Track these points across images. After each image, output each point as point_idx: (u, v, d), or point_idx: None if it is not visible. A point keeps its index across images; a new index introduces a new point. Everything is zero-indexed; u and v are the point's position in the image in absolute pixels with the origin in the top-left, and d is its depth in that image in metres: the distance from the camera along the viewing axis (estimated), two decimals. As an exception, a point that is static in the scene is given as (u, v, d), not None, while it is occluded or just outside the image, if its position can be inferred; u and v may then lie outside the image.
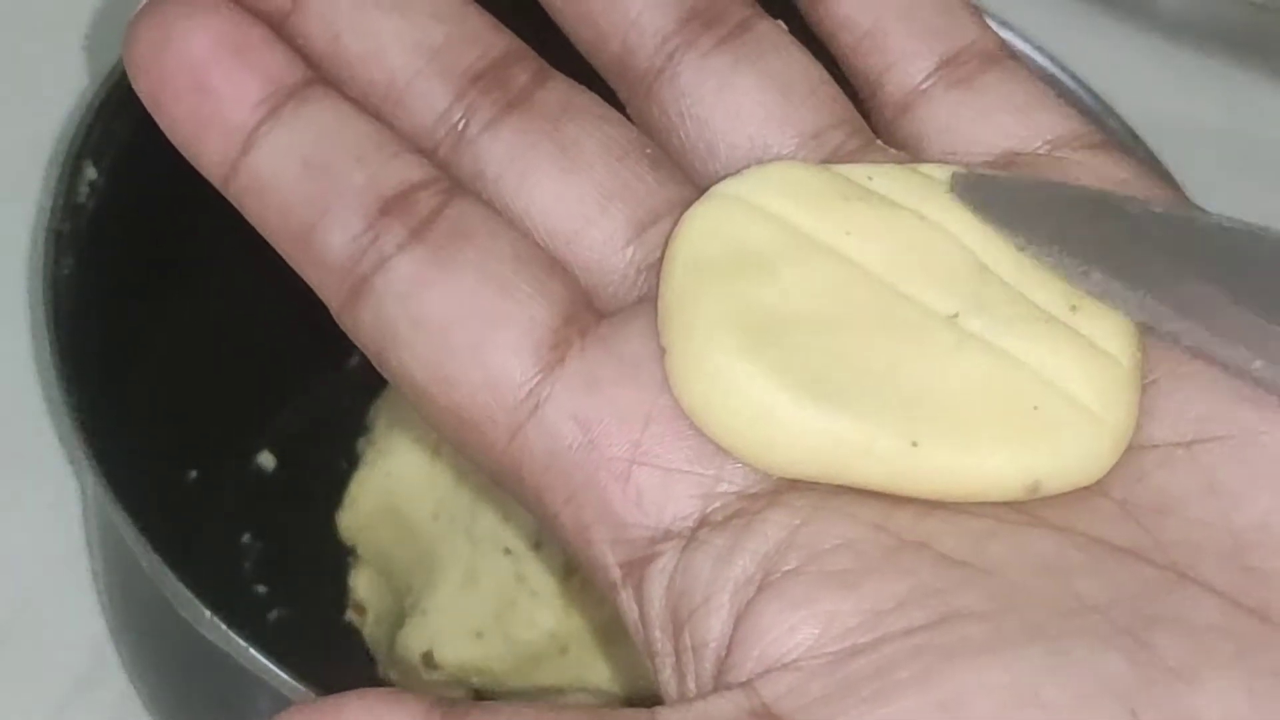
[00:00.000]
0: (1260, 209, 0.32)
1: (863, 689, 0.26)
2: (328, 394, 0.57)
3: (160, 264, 0.51)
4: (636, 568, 0.29)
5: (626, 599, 0.29)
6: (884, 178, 0.31)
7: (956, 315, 0.29)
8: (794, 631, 0.27)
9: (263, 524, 0.55)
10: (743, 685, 0.27)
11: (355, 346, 0.61)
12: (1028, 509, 0.28)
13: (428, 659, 0.51)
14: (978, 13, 0.33)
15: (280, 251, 0.31)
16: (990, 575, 0.27)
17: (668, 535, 0.28)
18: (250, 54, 0.30)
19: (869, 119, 0.33)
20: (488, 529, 0.49)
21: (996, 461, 0.28)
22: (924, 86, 0.32)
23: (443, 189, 0.30)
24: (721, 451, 0.29)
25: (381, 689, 0.27)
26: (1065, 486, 0.28)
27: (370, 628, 0.53)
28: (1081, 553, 0.27)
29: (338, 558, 0.53)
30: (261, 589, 0.54)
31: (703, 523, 0.28)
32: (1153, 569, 0.27)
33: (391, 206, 0.30)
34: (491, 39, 0.32)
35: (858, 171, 0.31)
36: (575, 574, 0.49)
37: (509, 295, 0.29)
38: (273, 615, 0.54)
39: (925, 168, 0.31)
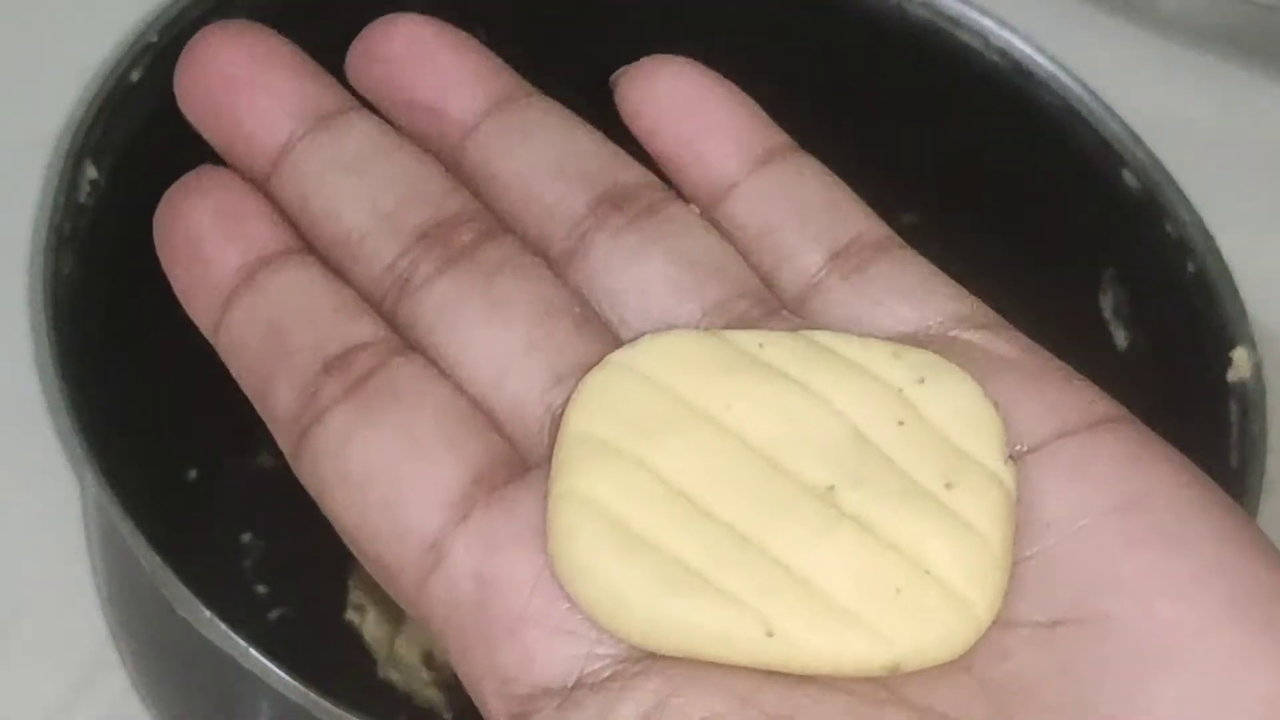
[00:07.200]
0: (1260, 209, 0.32)
1: None
2: (328, 394, 0.57)
3: (160, 264, 0.51)
4: None
5: None
6: (775, 346, 0.31)
7: (833, 488, 0.30)
8: None
9: (263, 524, 0.55)
10: None
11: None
12: (890, 685, 0.29)
13: (428, 659, 0.51)
14: (863, 205, 0.34)
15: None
16: None
17: (547, 693, 0.29)
18: (239, 224, 0.33)
19: None
20: (488, 529, 0.49)
21: (856, 647, 0.29)
22: (817, 280, 0.33)
23: (384, 350, 0.32)
24: None
25: None
26: (925, 665, 0.29)
27: (370, 628, 0.53)
28: None
29: (338, 558, 0.53)
30: (261, 589, 0.54)
31: (579, 683, 0.29)
32: None
33: (333, 366, 0.32)
34: (445, 201, 0.34)
35: (749, 339, 0.31)
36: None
37: (423, 455, 0.31)
38: (273, 615, 0.54)
39: (820, 335, 0.32)
